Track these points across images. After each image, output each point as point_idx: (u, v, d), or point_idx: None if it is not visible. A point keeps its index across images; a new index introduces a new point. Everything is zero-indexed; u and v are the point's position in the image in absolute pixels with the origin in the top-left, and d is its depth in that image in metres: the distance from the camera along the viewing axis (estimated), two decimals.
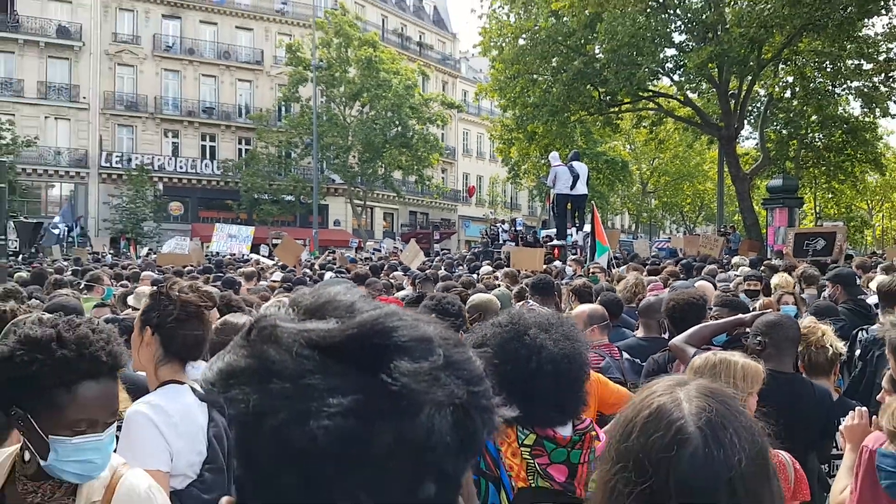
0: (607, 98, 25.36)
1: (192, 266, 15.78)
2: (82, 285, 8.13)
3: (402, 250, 30.57)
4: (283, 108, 41.78)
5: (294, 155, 41.97)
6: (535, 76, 25.32)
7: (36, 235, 24.08)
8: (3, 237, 8.36)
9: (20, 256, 20.73)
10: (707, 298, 4.91)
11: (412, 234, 44.72)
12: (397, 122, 39.59)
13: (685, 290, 5.00)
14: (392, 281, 11.24)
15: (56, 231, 27.54)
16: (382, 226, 48.71)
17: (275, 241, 32.40)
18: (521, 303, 3.96)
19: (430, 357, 0.68)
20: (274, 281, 12.37)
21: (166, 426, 2.33)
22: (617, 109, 26.84)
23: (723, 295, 5.61)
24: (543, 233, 22.76)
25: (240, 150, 43.37)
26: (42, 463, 1.70)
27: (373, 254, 27.01)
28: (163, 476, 2.24)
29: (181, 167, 41.41)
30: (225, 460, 2.48)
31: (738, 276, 8.96)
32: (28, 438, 1.72)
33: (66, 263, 17.24)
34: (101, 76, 39.56)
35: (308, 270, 14.64)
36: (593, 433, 2.07)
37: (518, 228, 24.26)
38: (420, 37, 52.51)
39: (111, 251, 29.35)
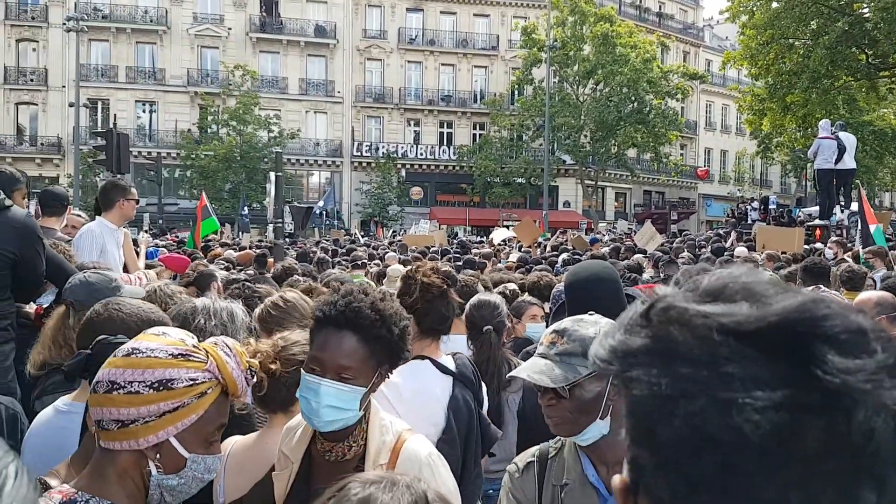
0: (877, 61, 22.41)
1: (435, 247, 16.62)
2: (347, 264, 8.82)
3: (635, 231, 29.51)
4: (517, 92, 42.29)
5: (525, 137, 42.39)
6: (791, 41, 23.05)
7: (308, 218, 26.78)
8: (280, 220, 9.33)
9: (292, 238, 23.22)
10: None
11: (646, 214, 43.07)
12: (633, 98, 38.29)
13: None
14: (632, 263, 10.85)
15: (319, 214, 30.53)
16: (614, 206, 47.58)
17: (506, 223, 33.09)
18: (811, 287, 3.55)
19: (870, 353, 0.62)
20: (511, 261, 12.59)
21: (396, 401, 2.47)
22: (888, 74, 23.59)
23: None
24: (800, 211, 20.68)
25: (474, 135, 44.76)
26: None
27: (605, 235, 26.40)
28: None
29: (421, 154, 43.78)
30: (462, 432, 2.59)
31: None
32: None
33: (326, 243, 19.03)
34: (352, 71, 42.99)
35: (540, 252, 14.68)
36: None
37: (770, 206, 22.26)
38: (660, 7, 50.17)
39: (362, 233, 31.91)
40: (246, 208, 31.45)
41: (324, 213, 32.19)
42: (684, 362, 0.64)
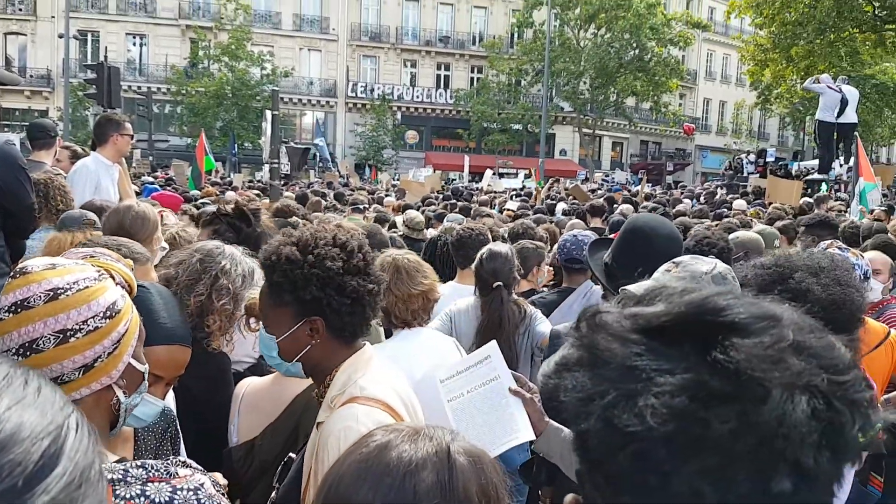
0: (883, 13, 22.03)
1: (435, 194, 16.46)
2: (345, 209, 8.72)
3: (632, 183, 29.34)
4: (516, 35, 41.45)
5: (524, 83, 41.71)
6: None
7: (304, 160, 26.45)
8: (276, 160, 9.16)
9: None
10: None
11: (642, 164, 42.90)
12: (635, 45, 37.64)
13: None
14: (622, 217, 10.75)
15: (314, 156, 30.16)
16: (611, 155, 47.27)
17: (501, 171, 32.79)
18: (827, 243, 3.46)
19: (771, 336, 0.63)
20: (509, 209, 12.51)
21: None
22: (895, 26, 23.26)
23: None
24: (796, 165, 20.58)
25: (472, 78, 43.99)
26: None
27: (601, 185, 26.26)
28: None
29: (417, 96, 43.04)
30: None
31: None
32: None
33: (319, 186, 18.80)
34: (349, 8, 41.85)
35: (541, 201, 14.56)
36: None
37: (767, 160, 22.10)
38: None
39: (355, 176, 31.61)
40: (236, 147, 31.01)
41: (317, 154, 31.82)
42: (604, 363, 0.66)
